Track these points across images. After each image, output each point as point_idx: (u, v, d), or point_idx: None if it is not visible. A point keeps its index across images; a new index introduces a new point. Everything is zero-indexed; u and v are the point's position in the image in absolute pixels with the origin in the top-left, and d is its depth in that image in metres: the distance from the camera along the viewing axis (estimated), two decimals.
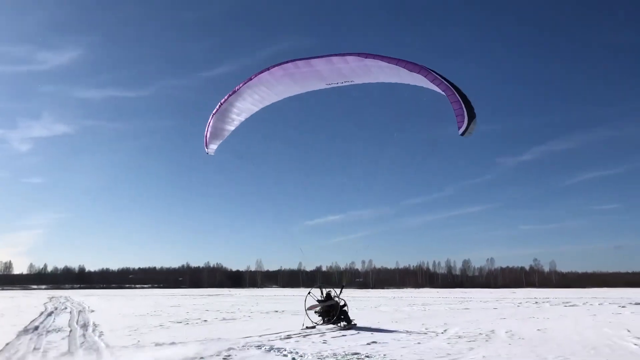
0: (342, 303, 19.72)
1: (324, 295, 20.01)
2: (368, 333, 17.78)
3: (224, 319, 25.68)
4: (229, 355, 12.68)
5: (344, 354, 12.87)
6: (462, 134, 12.83)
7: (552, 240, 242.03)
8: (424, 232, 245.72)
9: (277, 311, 31.17)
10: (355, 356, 12.49)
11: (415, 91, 14.48)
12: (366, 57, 13.51)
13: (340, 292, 19.94)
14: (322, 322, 19.59)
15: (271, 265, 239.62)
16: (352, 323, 19.58)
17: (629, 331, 18.22)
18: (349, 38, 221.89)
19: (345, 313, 19.74)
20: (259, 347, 14.23)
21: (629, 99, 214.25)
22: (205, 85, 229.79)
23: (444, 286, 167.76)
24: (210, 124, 15.73)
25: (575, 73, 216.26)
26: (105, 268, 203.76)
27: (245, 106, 15.76)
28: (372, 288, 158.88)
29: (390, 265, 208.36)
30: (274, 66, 14.46)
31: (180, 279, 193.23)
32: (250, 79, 14.94)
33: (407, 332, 18.08)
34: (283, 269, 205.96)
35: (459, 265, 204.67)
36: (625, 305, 35.95)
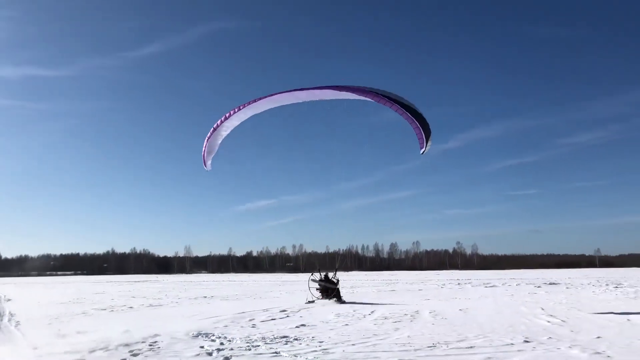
0: (335, 277, 23.35)
1: (323, 276, 23.45)
2: (297, 316, 17.94)
3: (150, 305, 25.13)
4: (155, 342, 12.42)
5: (272, 337, 12.91)
6: (423, 152, 15.11)
7: (474, 224, 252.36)
8: (354, 217, 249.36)
9: (206, 297, 30.81)
10: (284, 339, 12.56)
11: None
12: (341, 90, 15.96)
13: (335, 274, 23.47)
14: (321, 297, 22.90)
15: (200, 251, 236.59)
16: (342, 299, 22.94)
17: (542, 309, 19.31)
18: (282, 21, 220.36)
19: (338, 291, 23.12)
20: (186, 332, 14.02)
21: (546, 91, 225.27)
22: (133, 66, 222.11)
23: (372, 269, 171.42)
24: (206, 146, 17.70)
25: (496, 65, 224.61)
26: (23, 255, 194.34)
27: (232, 124, 17.81)
28: (302, 272, 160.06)
29: (321, 249, 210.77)
30: (261, 98, 16.94)
31: (105, 265, 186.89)
32: (240, 109, 17.11)
33: (337, 314, 18.34)
34: (212, 254, 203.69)
35: (386, 249, 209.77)
36: (540, 286, 38.07)
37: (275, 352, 10.87)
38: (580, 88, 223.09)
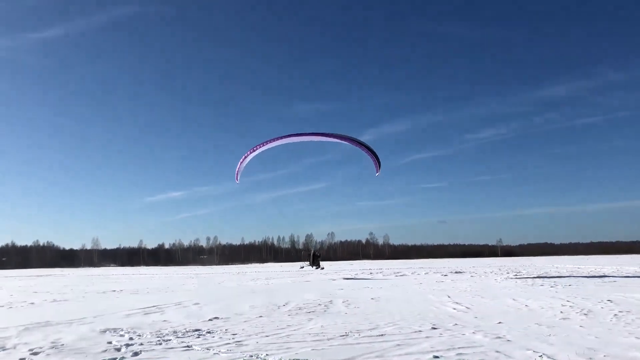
0: (318, 253, 29.86)
1: (312, 253, 30.00)
2: (211, 309, 17.69)
3: (54, 300, 23.84)
4: (59, 339, 11.82)
5: (184, 331, 12.65)
6: (377, 175, 20.90)
7: (386, 215, 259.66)
8: (270, 208, 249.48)
9: (114, 291, 29.67)
10: (197, 332, 12.35)
11: None
12: (323, 136, 21.77)
13: (318, 251, 29.50)
14: (308, 265, 28.74)
15: (109, 243, 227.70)
16: (321, 267, 29.94)
17: (449, 297, 20.20)
18: (198, 9, 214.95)
19: (319, 262, 29.34)
20: (93, 328, 13.45)
21: (453, 88, 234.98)
22: (34, 48, 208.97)
23: (287, 260, 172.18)
24: (239, 168, 22.81)
25: (406, 62, 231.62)
26: None
27: (255, 154, 23.40)
28: (216, 264, 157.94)
29: (236, 241, 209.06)
30: (277, 139, 22.76)
31: (4, 259, 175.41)
32: (261, 146, 23.16)
33: (252, 306, 18.27)
34: (122, 247, 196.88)
35: (302, 240, 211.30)
36: (447, 274, 39.78)
37: (187, 346, 10.67)
38: (485, 86, 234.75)
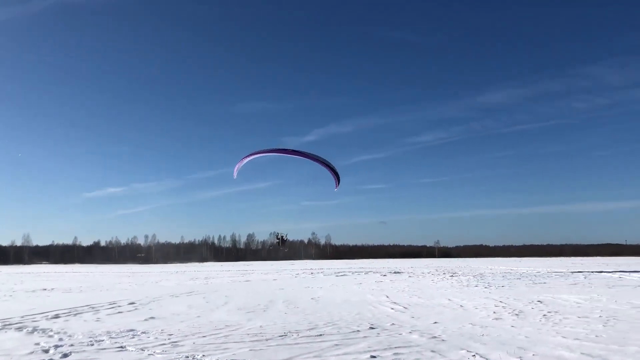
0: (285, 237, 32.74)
1: (281, 236, 32.64)
2: (147, 308, 17.26)
3: None
4: None
5: (118, 331, 12.27)
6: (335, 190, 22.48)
7: (329, 215, 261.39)
8: (211, 207, 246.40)
9: (45, 289, 28.48)
10: (131, 333, 12.00)
11: None
12: (299, 154, 24.06)
13: (286, 236, 32.19)
14: (277, 244, 31.14)
15: (41, 240, 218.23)
16: (286, 245, 32.01)
17: (387, 297, 20.51)
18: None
19: (285, 241, 32.20)
20: (19, 328, 12.86)
21: (396, 92, 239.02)
22: None
23: (228, 259, 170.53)
24: (237, 167, 24.40)
25: (352, 65, 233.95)
26: None
27: (251, 158, 24.81)
28: (154, 263, 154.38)
29: (175, 239, 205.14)
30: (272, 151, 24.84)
31: None
32: (259, 154, 24.68)
33: (190, 306, 17.94)
34: (55, 243, 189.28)
35: (243, 239, 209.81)
36: (386, 274, 40.41)
37: (121, 347, 10.34)
38: (428, 91, 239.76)
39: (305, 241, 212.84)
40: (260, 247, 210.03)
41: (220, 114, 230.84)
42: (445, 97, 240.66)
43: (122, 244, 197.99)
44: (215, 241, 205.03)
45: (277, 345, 10.37)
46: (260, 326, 12.93)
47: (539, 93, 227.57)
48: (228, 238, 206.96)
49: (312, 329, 12.37)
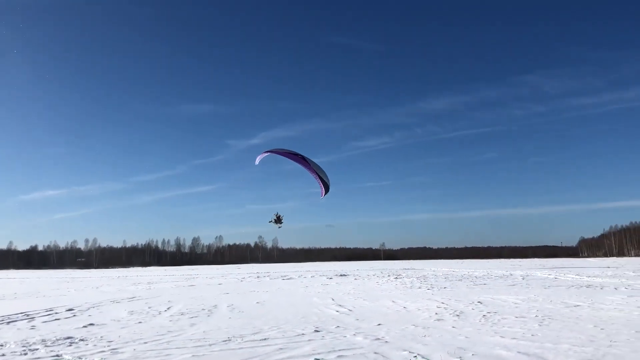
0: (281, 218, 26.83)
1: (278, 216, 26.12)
2: (86, 315, 16.70)
3: None
4: None
5: (54, 339, 11.81)
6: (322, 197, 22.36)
7: None
8: (154, 210, 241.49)
9: None
10: (68, 340, 11.58)
11: None
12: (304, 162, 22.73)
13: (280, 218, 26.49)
14: (274, 223, 26.24)
15: None
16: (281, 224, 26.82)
17: (333, 300, 20.62)
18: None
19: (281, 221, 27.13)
20: None
21: (342, 97, 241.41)
22: None
23: (172, 264, 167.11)
24: (259, 158, 22.82)
25: (299, 69, 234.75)
26: None
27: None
28: (95, 268, 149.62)
29: (117, 243, 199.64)
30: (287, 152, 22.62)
31: None
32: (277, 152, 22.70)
33: (131, 312, 17.48)
34: None
35: (188, 243, 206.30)
36: (332, 277, 40.64)
37: (57, 356, 9.96)
38: (372, 95, 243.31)
39: (252, 245, 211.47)
40: (205, 251, 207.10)
41: (164, 114, 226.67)
42: (390, 103, 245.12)
43: (61, 248, 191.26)
44: (159, 245, 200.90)
45: (220, 350, 10.24)
46: (204, 331, 12.75)
47: (479, 100, 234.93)
48: (172, 242, 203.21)
49: (256, 333, 12.28)
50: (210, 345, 10.78)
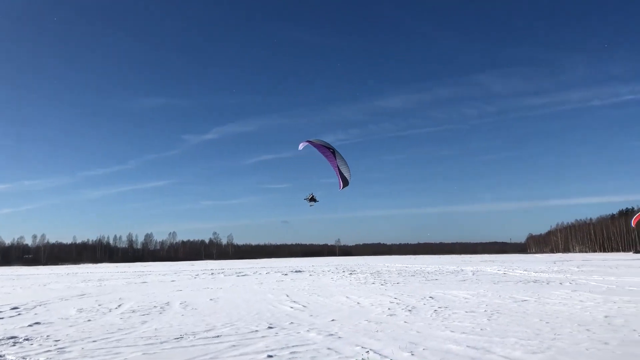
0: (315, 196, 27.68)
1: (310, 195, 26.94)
2: (32, 314, 16.17)
3: None
4: None
5: None
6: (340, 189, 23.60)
7: (230, 215, 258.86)
8: (105, 205, 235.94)
9: None
10: (12, 340, 11.19)
11: None
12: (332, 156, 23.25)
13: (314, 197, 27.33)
14: (309, 200, 26.68)
15: None
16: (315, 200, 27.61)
17: (287, 296, 20.62)
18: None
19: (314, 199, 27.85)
20: None
21: (300, 92, 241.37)
22: None
23: (124, 260, 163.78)
24: (302, 145, 23.87)
25: (256, 64, 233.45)
26: None
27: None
28: (44, 265, 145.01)
29: (67, 240, 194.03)
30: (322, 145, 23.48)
31: None
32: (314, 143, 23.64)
33: (80, 310, 17.02)
34: None
35: (140, 239, 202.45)
36: (287, 273, 40.63)
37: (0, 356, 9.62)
38: (328, 92, 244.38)
39: (206, 241, 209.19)
40: (158, 247, 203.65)
41: (117, 108, 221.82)
42: (346, 100, 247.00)
43: (6, 244, 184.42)
44: (111, 241, 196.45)
45: (172, 348, 10.10)
46: (156, 329, 12.54)
47: (432, 99, 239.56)
48: (124, 238, 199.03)
49: (209, 330, 12.17)
50: (161, 343, 10.63)
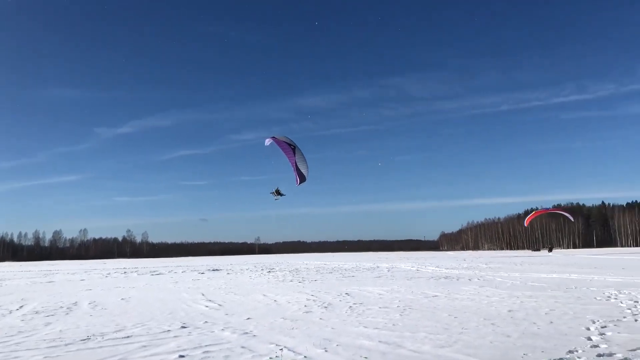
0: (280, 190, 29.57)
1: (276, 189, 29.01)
2: None
3: None
4: None
5: None
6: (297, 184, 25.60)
7: (145, 212, 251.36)
8: (9, 200, 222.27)
9: None
10: None
11: None
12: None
13: (279, 191, 29.20)
14: (274, 194, 28.69)
15: None
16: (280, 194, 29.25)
17: (203, 295, 20.27)
18: None
19: (280, 193, 29.54)
20: None
21: (220, 87, 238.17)
22: None
23: (30, 259, 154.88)
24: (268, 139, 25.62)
25: (173, 56, 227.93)
26: None
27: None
28: None
29: None
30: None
31: None
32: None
33: None
34: None
35: (48, 237, 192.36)
36: (204, 272, 39.96)
37: None
38: (250, 89, 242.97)
39: (120, 239, 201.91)
40: (68, 245, 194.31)
41: (26, 98, 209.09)
42: (268, 97, 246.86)
43: None
44: (15, 238, 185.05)
45: (77, 350, 9.64)
46: (60, 330, 11.92)
47: (351, 99, 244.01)
48: (30, 235, 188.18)
49: (119, 330, 11.72)
50: (66, 345, 10.11)
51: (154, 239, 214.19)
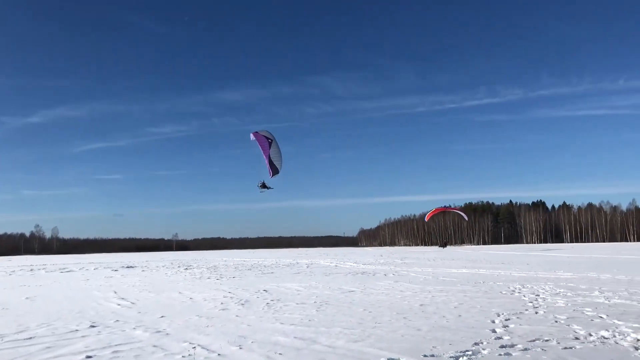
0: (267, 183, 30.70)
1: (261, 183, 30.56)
2: None
3: None
4: None
5: None
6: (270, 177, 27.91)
7: (56, 206, 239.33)
8: None
9: None
10: None
11: None
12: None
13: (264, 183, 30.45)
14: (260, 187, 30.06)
15: None
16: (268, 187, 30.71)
17: (115, 292, 19.57)
18: None
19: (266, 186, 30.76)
20: None
21: (137, 78, 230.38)
22: None
23: None
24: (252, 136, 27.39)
25: (88, 44, 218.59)
26: None
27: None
28: None
29: None
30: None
31: None
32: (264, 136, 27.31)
33: None
34: None
35: None
36: (117, 269, 38.54)
37: None
38: (168, 80, 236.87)
39: (27, 234, 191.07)
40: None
41: None
42: (187, 90, 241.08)
43: None
44: None
45: None
46: None
47: (274, 95, 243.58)
48: None
49: (21, 331, 11.09)
50: None
51: (65, 234, 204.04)
